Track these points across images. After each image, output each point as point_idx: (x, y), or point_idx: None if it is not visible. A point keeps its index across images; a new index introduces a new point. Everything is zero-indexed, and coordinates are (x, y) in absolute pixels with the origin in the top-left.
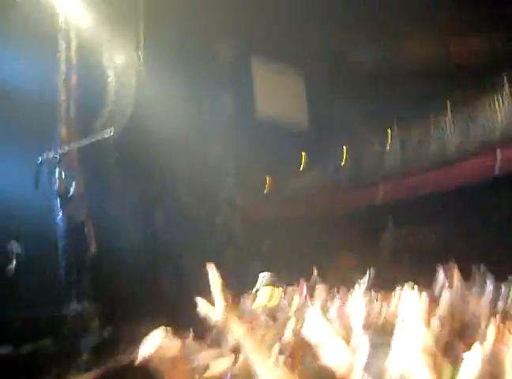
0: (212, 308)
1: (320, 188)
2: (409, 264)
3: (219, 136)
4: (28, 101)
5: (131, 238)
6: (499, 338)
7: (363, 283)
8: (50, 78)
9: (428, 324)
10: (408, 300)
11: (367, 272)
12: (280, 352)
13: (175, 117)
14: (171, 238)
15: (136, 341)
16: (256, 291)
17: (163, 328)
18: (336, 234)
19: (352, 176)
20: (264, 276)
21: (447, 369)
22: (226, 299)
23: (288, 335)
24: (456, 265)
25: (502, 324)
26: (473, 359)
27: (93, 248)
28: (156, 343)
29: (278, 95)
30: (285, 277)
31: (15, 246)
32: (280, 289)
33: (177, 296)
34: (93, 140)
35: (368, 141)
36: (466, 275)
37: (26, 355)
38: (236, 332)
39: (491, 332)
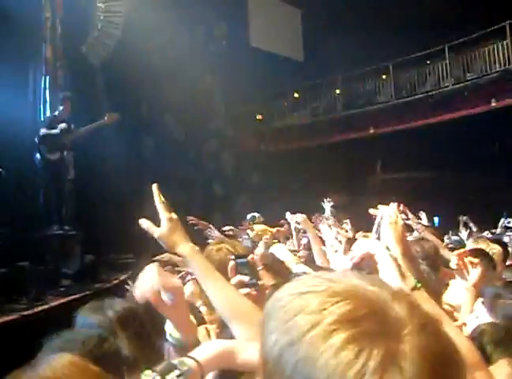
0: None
1: (312, 123)
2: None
3: (211, 66)
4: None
5: (117, 163)
6: None
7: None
8: None
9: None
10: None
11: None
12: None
13: (165, 43)
14: (158, 165)
15: (116, 269)
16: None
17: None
18: (325, 169)
19: (343, 113)
20: (251, 217)
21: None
22: (170, 213)
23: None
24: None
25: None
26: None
27: (72, 174)
28: (153, 279)
29: (273, 26)
30: (272, 213)
31: None
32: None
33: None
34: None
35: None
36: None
37: (3, 276)
38: (182, 247)
39: None
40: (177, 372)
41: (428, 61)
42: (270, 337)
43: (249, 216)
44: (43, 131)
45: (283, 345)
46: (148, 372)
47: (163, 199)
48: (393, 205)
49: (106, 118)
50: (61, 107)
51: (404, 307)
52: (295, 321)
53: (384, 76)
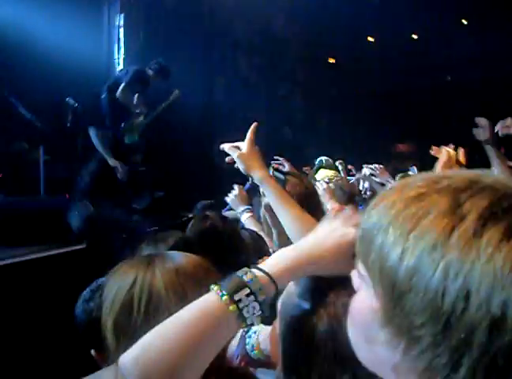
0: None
1: None
2: None
3: (283, 7)
4: None
5: (189, 103)
6: None
7: None
8: None
9: None
10: None
11: None
12: None
13: None
14: (229, 107)
15: (185, 207)
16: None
17: None
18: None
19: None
20: (320, 160)
21: None
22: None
23: None
24: None
25: None
26: None
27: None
28: None
29: None
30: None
31: (71, 102)
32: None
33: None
34: None
35: None
36: None
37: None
38: (258, 171)
39: None
40: (247, 290)
41: None
42: (392, 251)
43: (317, 160)
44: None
45: (418, 255)
46: (215, 287)
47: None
48: None
49: (171, 97)
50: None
51: None
52: (424, 226)
53: None
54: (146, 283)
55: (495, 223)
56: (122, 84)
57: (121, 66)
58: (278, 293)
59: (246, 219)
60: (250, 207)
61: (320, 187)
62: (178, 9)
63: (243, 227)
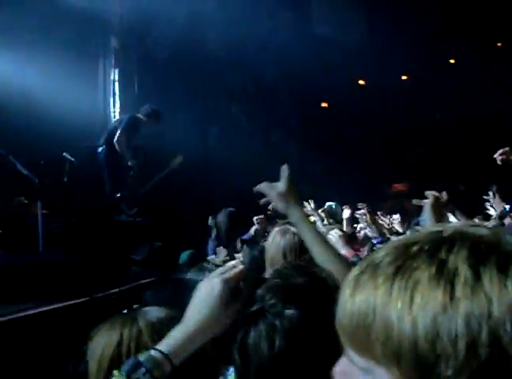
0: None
1: None
2: None
3: (275, 54)
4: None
5: (184, 151)
6: None
7: None
8: None
9: None
10: None
11: None
12: None
13: (229, 32)
14: (224, 154)
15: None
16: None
17: None
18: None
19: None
20: (329, 206)
21: None
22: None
23: None
24: None
25: None
26: None
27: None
28: None
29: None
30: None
31: (68, 157)
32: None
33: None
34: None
35: None
36: None
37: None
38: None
39: None
40: (143, 369)
41: None
42: (402, 324)
43: (327, 205)
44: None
45: (431, 319)
46: (115, 372)
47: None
48: None
49: (172, 163)
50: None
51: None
52: (422, 295)
53: None
54: (133, 338)
55: (485, 265)
56: (118, 132)
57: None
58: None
59: None
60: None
61: (335, 235)
62: (172, 60)
63: None
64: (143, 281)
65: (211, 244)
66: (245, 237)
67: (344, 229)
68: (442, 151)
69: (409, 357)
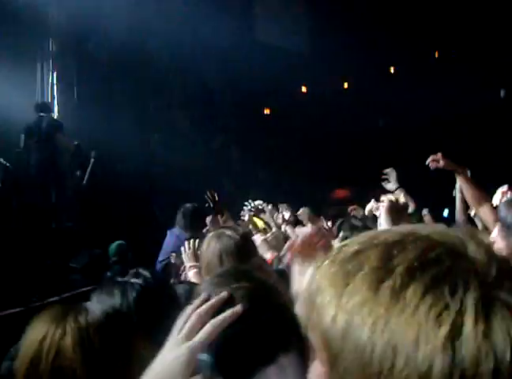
0: None
1: None
2: None
3: (217, 61)
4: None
5: (126, 158)
6: None
7: None
8: None
9: None
10: None
11: None
12: None
13: (171, 38)
14: (166, 160)
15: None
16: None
17: None
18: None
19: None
20: (250, 205)
21: None
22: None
23: None
24: None
25: None
26: None
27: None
28: None
29: (279, 20)
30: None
31: (2, 162)
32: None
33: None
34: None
35: None
36: None
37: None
38: None
39: None
40: None
41: None
42: (327, 311)
43: (256, 203)
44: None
45: (348, 313)
46: None
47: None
48: None
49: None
50: None
51: (483, 250)
52: (356, 283)
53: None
54: (55, 340)
55: (421, 275)
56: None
57: None
58: None
59: (192, 275)
60: (196, 264)
61: (258, 240)
62: (112, 65)
63: (181, 281)
64: (82, 289)
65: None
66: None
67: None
68: (385, 158)
69: (325, 346)
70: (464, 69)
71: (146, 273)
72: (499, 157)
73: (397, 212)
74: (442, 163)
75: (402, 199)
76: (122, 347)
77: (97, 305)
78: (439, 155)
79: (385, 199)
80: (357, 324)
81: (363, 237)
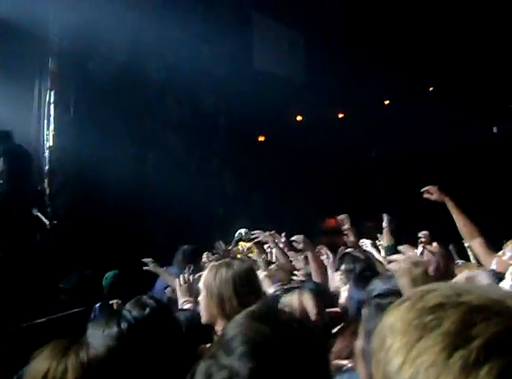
0: None
1: None
2: None
3: (215, 85)
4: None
5: (118, 179)
6: None
7: None
8: None
9: None
10: None
11: None
12: None
13: (170, 61)
14: (159, 182)
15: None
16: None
17: None
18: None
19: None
20: (240, 233)
21: None
22: None
23: None
24: None
25: None
26: None
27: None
28: None
29: (277, 49)
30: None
31: None
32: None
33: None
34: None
35: None
36: None
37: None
38: None
39: None
40: None
41: None
42: (396, 358)
43: (237, 234)
44: None
45: (415, 368)
46: None
47: None
48: None
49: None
50: None
51: None
52: (430, 340)
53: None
54: (57, 376)
55: (499, 356)
56: None
57: (50, 142)
58: None
59: (188, 307)
60: (190, 298)
61: (260, 275)
62: (110, 86)
63: (180, 309)
64: (71, 311)
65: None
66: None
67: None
68: (377, 188)
69: None
70: (459, 102)
71: (151, 301)
72: (491, 190)
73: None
74: (435, 196)
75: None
76: None
77: (99, 340)
78: (435, 188)
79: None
80: None
81: (448, 289)
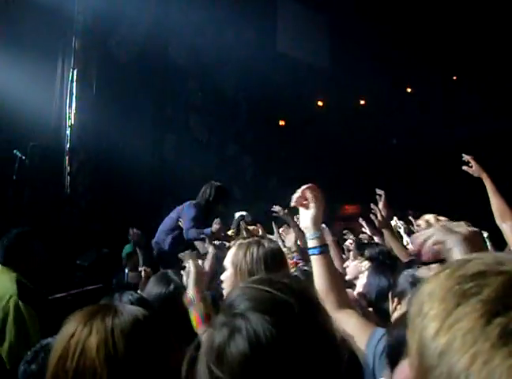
0: None
1: None
2: None
3: (237, 69)
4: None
5: (138, 159)
6: None
7: None
8: None
9: None
10: None
11: None
12: None
13: (192, 43)
14: (179, 164)
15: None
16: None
17: None
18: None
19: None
20: (239, 216)
21: None
22: None
23: None
24: None
25: None
26: None
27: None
28: None
29: (301, 33)
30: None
31: (18, 154)
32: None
33: None
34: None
35: None
36: None
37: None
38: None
39: None
40: None
41: None
42: (432, 324)
43: (237, 215)
44: None
45: (452, 334)
46: None
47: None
48: None
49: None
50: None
51: None
52: (469, 306)
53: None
54: (82, 340)
55: None
56: None
57: (72, 120)
58: None
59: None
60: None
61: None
62: (133, 65)
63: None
64: (88, 287)
65: None
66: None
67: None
68: (397, 177)
69: (419, 355)
70: (481, 91)
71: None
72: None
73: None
74: (474, 169)
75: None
76: (148, 354)
77: (129, 308)
78: (471, 158)
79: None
80: (457, 349)
81: (489, 258)
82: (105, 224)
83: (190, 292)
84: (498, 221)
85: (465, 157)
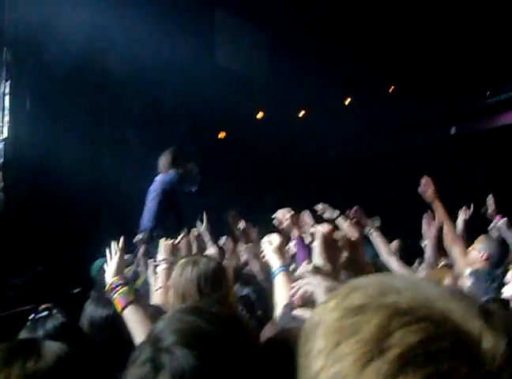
0: None
1: None
2: None
3: (175, 82)
4: None
5: (74, 174)
6: None
7: None
8: None
9: None
10: None
11: None
12: None
13: (129, 56)
14: (117, 180)
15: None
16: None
17: None
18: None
19: None
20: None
21: None
22: None
23: None
24: None
25: None
26: None
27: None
28: None
29: (239, 46)
30: None
31: None
32: None
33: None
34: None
35: None
36: None
37: None
38: None
39: None
40: None
41: None
42: (315, 362)
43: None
44: None
45: (330, 377)
46: None
47: None
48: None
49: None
50: None
51: (502, 344)
52: (347, 347)
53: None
54: None
55: (414, 369)
56: None
57: (5, 135)
58: None
59: (157, 295)
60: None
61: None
62: (69, 78)
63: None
64: (22, 308)
65: None
66: None
67: None
68: (334, 188)
69: None
70: (419, 103)
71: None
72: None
73: (331, 246)
74: (428, 193)
75: (345, 227)
76: None
77: (51, 346)
78: (429, 180)
79: (318, 229)
80: None
81: (375, 286)
82: (41, 241)
83: (111, 277)
84: (447, 244)
85: (423, 180)
